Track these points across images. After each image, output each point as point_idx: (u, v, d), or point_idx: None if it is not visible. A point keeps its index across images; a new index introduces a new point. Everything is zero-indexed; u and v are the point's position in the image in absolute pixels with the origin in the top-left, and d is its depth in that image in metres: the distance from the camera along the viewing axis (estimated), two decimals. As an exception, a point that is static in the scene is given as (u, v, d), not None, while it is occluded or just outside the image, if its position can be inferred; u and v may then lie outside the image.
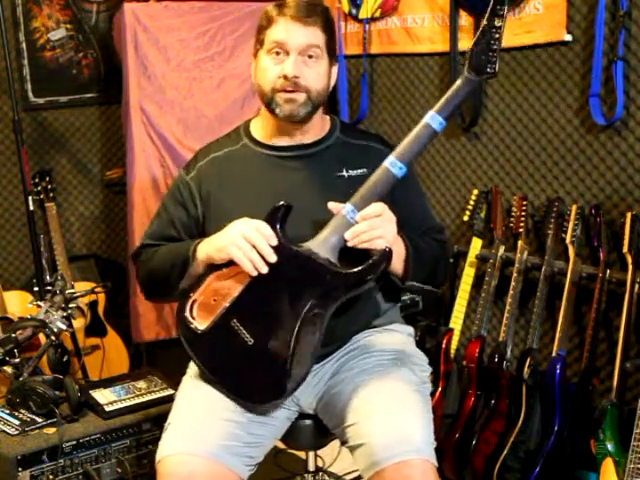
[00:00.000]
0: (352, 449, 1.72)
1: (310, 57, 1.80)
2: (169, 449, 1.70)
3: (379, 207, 1.68)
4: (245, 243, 1.67)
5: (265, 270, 1.67)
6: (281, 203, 1.72)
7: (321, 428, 1.91)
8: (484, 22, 1.64)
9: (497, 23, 1.61)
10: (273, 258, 1.67)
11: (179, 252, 1.83)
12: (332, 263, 1.68)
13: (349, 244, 1.68)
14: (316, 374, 1.89)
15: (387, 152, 1.80)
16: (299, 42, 1.77)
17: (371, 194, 1.69)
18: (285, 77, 1.77)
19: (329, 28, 1.84)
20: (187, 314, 1.78)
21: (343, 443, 1.82)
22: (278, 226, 1.71)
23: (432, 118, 1.66)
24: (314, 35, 1.79)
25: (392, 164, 1.68)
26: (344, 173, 1.87)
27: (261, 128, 1.93)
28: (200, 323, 1.77)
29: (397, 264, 1.77)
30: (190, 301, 1.78)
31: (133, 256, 2.02)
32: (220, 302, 1.75)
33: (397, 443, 1.61)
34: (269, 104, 1.83)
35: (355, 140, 1.94)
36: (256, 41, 1.86)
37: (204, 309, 1.77)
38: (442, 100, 1.67)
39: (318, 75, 1.82)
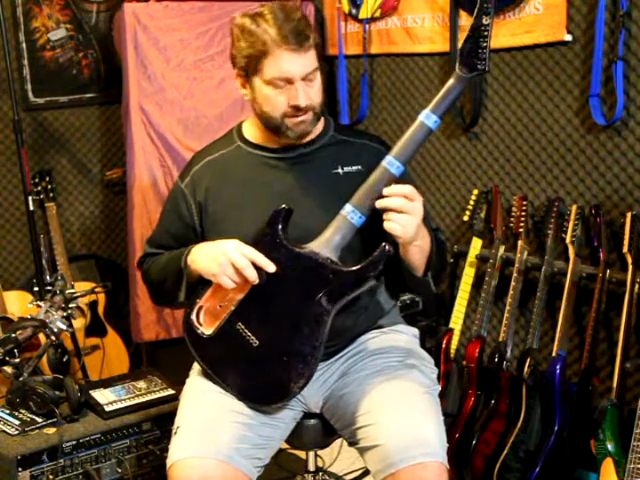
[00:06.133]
0: (364, 450, 1.72)
1: (310, 80, 1.78)
2: (181, 453, 1.69)
3: (415, 194, 1.67)
4: (231, 270, 1.70)
5: (257, 282, 1.70)
6: (282, 207, 1.74)
7: (326, 428, 1.91)
8: (473, 20, 1.65)
9: (485, 21, 1.62)
10: (256, 280, 1.69)
11: (173, 263, 1.85)
12: (333, 262, 1.69)
13: (377, 204, 1.65)
14: (322, 373, 1.89)
15: (383, 150, 1.83)
16: (302, 72, 1.75)
17: (370, 193, 1.69)
18: (297, 107, 1.76)
19: (316, 41, 1.79)
20: (193, 319, 1.81)
21: (351, 444, 1.82)
22: (280, 230, 1.72)
23: (427, 117, 1.68)
24: (312, 60, 1.77)
25: (390, 163, 1.68)
26: (339, 170, 1.87)
27: (254, 130, 1.93)
28: (206, 328, 1.80)
29: (421, 258, 1.76)
30: (197, 307, 1.81)
31: (138, 264, 2.06)
32: (226, 307, 1.77)
33: (413, 445, 1.62)
34: (277, 129, 1.81)
35: (350, 138, 1.95)
36: (245, 65, 1.78)
37: (210, 315, 1.80)
38: (436, 99, 1.69)
39: (318, 90, 1.81)
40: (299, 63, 1.74)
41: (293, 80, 1.74)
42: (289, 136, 1.82)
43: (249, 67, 1.78)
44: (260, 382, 1.76)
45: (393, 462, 1.62)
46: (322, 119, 1.95)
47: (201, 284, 1.81)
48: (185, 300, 1.85)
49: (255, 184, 1.87)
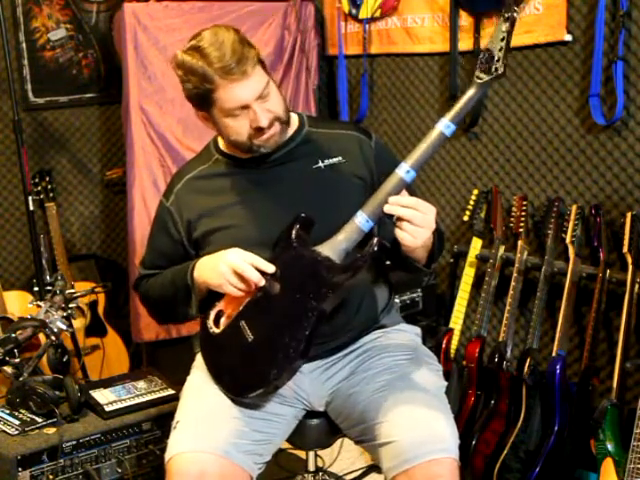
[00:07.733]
0: (375, 448, 1.72)
1: (265, 96, 1.76)
2: (179, 447, 1.70)
3: (428, 207, 1.68)
4: (235, 278, 1.72)
5: (262, 283, 1.72)
6: (300, 214, 1.76)
7: (330, 427, 1.91)
8: (495, 27, 1.63)
9: (504, 28, 1.61)
10: (260, 280, 1.71)
11: (178, 281, 1.86)
12: (330, 260, 1.70)
13: (385, 208, 1.65)
14: (325, 370, 1.90)
15: (360, 136, 1.90)
16: (254, 95, 1.74)
17: (385, 203, 1.67)
18: (260, 129, 1.76)
19: (258, 55, 1.77)
20: (210, 321, 1.83)
21: (359, 442, 1.83)
22: (293, 234, 1.75)
23: (447, 127, 1.66)
24: (260, 77, 1.75)
25: (407, 173, 1.67)
26: (320, 164, 1.88)
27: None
28: (217, 329, 1.82)
29: (423, 253, 1.78)
30: (216, 309, 1.83)
31: (134, 286, 2.06)
32: (237, 309, 1.80)
33: (429, 441, 1.63)
34: (249, 149, 1.82)
35: (325, 130, 1.95)
36: (200, 101, 1.78)
37: (228, 318, 1.83)
38: (456, 108, 1.65)
39: (277, 99, 1.79)
40: (248, 88, 1.73)
41: (248, 105, 1.74)
42: (263, 152, 1.83)
43: (204, 102, 1.78)
44: (242, 373, 1.77)
45: (408, 458, 1.62)
46: (296, 117, 1.94)
47: (213, 294, 1.83)
48: (198, 314, 1.87)
49: (241, 193, 1.88)
